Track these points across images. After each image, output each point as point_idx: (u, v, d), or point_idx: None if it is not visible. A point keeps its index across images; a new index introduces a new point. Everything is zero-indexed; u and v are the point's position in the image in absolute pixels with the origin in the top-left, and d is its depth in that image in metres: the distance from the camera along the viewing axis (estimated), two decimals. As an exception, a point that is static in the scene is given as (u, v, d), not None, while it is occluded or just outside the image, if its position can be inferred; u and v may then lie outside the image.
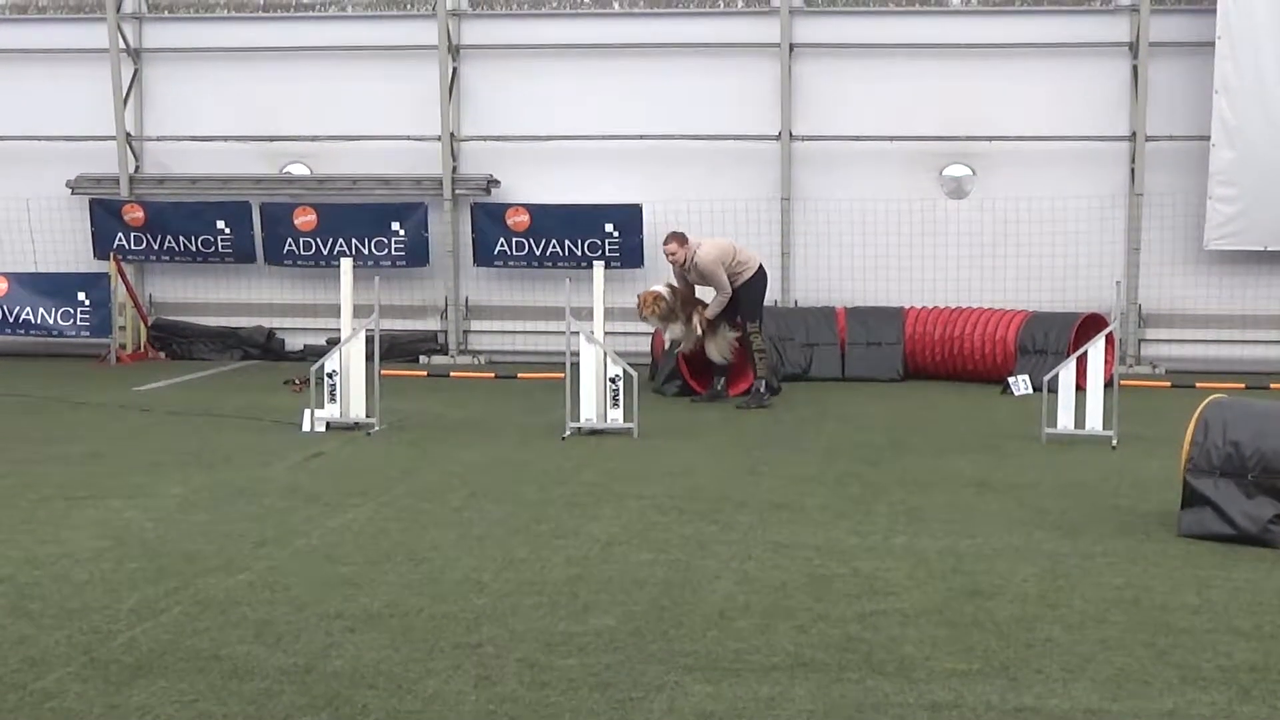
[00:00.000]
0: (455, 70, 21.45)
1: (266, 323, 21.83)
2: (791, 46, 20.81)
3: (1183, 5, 20.31)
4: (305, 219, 21.20)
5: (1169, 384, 18.53)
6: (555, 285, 19.94)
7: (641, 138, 20.96)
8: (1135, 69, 20.33)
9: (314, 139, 21.62)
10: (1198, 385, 17.23)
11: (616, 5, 21.30)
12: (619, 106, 21.07)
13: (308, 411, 14.23)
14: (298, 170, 21.82)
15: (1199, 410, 9.66)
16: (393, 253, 21.20)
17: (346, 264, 14.53)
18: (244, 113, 21.75)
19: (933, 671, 6.58)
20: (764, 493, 10.97)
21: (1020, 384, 17.15)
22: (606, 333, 14.51)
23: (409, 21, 21.55)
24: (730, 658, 6.77)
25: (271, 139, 21.73)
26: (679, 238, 16.23)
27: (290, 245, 21.30)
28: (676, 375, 17.10)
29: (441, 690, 6.31)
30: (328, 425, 14.20)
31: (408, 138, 21.43)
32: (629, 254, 20.72)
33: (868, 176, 20.81)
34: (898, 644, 6.98)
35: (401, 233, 21.14)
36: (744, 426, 14.77)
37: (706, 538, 9.36)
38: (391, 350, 20.29)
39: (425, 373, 19.90)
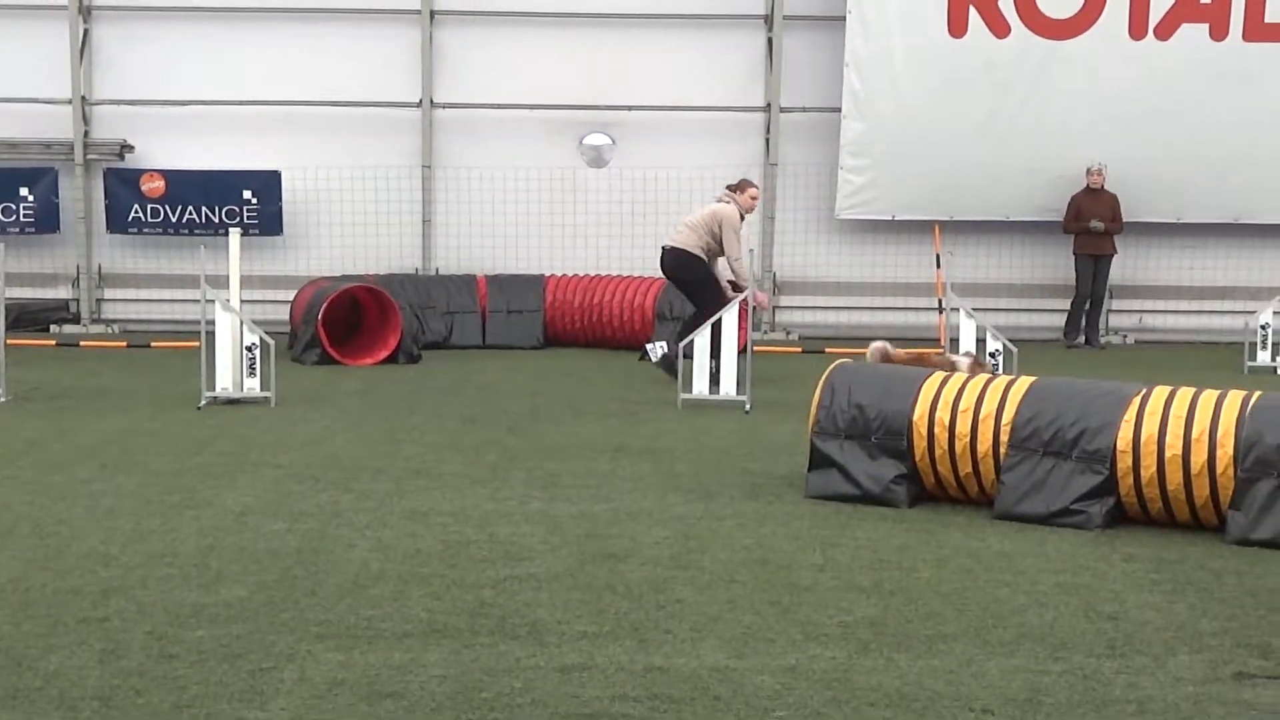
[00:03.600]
0: (87, 31, 20.77)
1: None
2: (433, 13, 20.71)
3: (815, -21, 20.87)
4: (-75, 183, 20.31)
5: (801, 349, 19.07)
6: (191, 253, 19.51)
7: (282, 103, 20.64)
8: (770, 41, 20.81)
9: (-67, 99, 20.70)
10: (827, 350, 17.76)
11: (255, -33, 20.88)
12: (258, 71, 20.71)
13: (-74, 383, 13.65)
14: (-85, 131, 20.85)
15: (825, 375, 9.94)
16: (21, 219, 20.47)
17: (-33, 229, 13.97)
18: None
19: (564, 635, 6.63)
20: (402, 461, 10.92)
21: (658, 350, 17.37)
22: (243, 301, 14.22)
23: (37, -21, 20.77)
24: (363, 626, 6.72)
25: (-113, 98, 20.74)
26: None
27: (-93, 210, 20.39)
28: (316, 344, 16.87)
29: (64, 666, 6.11)
30: (-52, 397, 13.65)
31: (37, 100, 20.68)
32: (268, 221, 20.40)
33: (509, 145, 20.88)
34: (530, 608, 7.02)
35: (30, 198, 20.43)
36: (383, 395, 14.67)
37: (342, 506, 9.26)
38: (20, 320, 19.60)
39: (55, 342, 19.25)
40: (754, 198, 15.51)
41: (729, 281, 15.38)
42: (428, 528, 8.68)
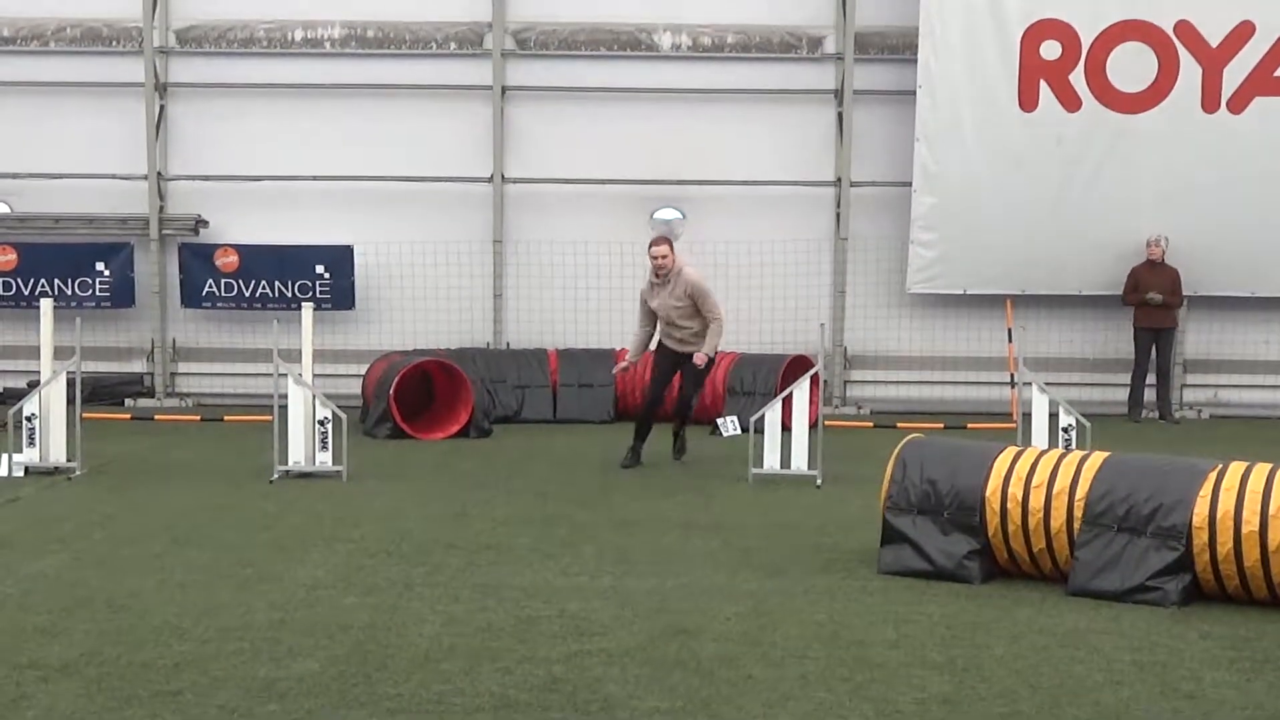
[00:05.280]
0: (163, 108, 21.06)
1: (-35, 366, 21.12)
2: (504, 89, 20.89)
3: (886, 55, 20.95)
4: (5, 258, 20.58)
5: (872, 424, 19.00)
6: (265, 327, 19.64)
7: (354, 179, 20.83)
8: (840, 116, 20.88)
9: (15, 176, 20.98)
10: (899, 425, 17.68)
11: (328, 45, 21.11)
12: (331, 147, 20.91)
13: (4, 455, 13.77)
14: (-2, 208, 21.18)
15: (897, 449, 9.91)
16: (97, 293, 20.71)
17: (46, 304, 14.15)
18: (-59, 148, 21.07)
19: (635, 710, 6.61)
20: (472, 535, 10.93)
21: (729, 425, 17.30)
22: (316, 375, 14.33)
23: (114, 58, 21.08)
24: (434, 700, 6.71)
25: (-31, 176, 21.08)
26: (669, 241, 14.72)
27: (-11, 286, 20.69)
28: (388, 418, 16.95)
29: (136, 741, 6.14)
30: (26, 470, 13.76)
31: (113, 176, 20.98)
32: (340, 295, 20.55)
33: (580, 219, 20.98)
34: (601, 684, 7.00)
35: (106, 273, 20.67)
36: (454, 469, 14.71)
37: (413, 580, 9.28)
38: (95, 393, 19.77)
39: (130, 416, 19.42)
40: (653, 256, 14.49)
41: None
42: (499, 602, 8.67)
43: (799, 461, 13.88)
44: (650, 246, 14.70)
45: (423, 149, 20.96)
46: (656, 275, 14.53)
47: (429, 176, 20.94)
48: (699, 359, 14.32)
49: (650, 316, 14.75)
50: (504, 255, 21.03)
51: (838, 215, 21.00)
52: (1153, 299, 19.79)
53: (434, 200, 21.02)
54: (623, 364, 15.18)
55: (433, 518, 11.71)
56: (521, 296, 21.07)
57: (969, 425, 18.26)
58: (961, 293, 20.67)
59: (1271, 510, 8.55)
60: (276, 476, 13.65)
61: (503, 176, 20.96)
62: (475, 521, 11.55)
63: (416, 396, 17.98)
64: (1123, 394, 20.30)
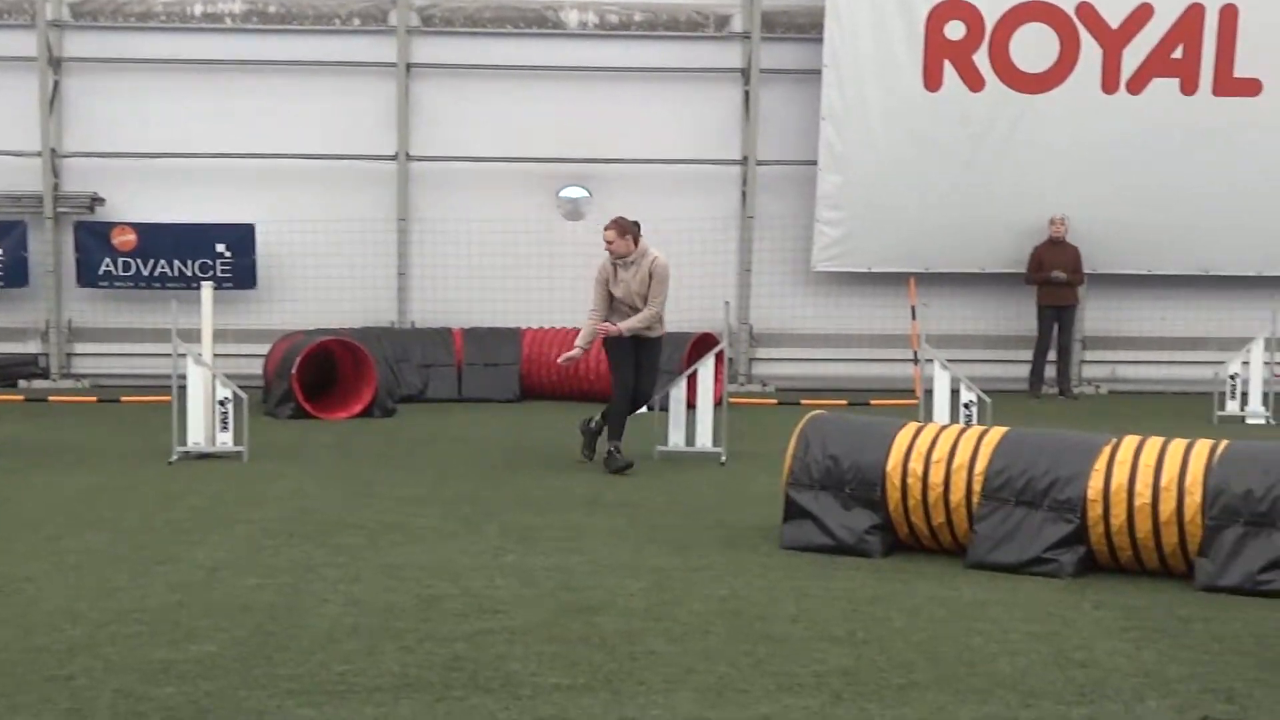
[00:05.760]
0: (57, 83, 20.74)
1: None
2: (409, 66, 20.76)
3: (792, 34, 20.96)
4: (-108, 237, 20.26)
5: (776, 401, 19.08)
6: (164, 306, 19.40)
7: (255, 156, 20.63)
8: (747, 94, 20.90)
9: (-97, 154, 20.67)
10: (803, 402, 17.74)
11: (229, 21, 20.87)
12: (232, 124, 20.70)
13: (-104, 438, 13.58)
14: (-116, 186, 20.80)
15: (799, 426, 9.95)
16: (-10, 272, 20.40)
17: (-63, 284, 13.94)
18: None
19: (538, 687, 6.59)
20: (376, 515, 10.87)
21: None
22: (217, 355, 14.17)
23: (6, 32, 20.74)
24: (335, 681, 6.67)
25: None
26: (621, 225, 13.45)
27: (-124, 265, 20.33)
28: (290, 398, 16.83)
29: (29, 724, 6.06)
30: (-82, 453, 13.59)
31: (6, 153, 20.65)
32: (241, 274, 20.37)
33: (486, 198, 20.88)
34: (504, 661, 6.98)
35: (-1, 252, 20.37)
36: (357, 449, 14.62)
37: (315, 561, 9.21)
38: (-11, 374, 19.52)
39: (23, 398, 19.18)
40: (605, 240, 13.43)
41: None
42: (401, 582, 8.63)
43: (704, 439, 13.92)
44: (604, 230, 13.54)
45: (326, 127, 20.78)
46: (617, 257, 13.48)
47: (332, 154, 20.77)
48: (607, 328, 13.48)
49: (607, 301, 13.59)
50: (409, 234, 20.91)
51: (744, 194, 21.03)
52: (1056, 277, 19.97)
53: (338, 178, 20.86)
54: (571, 353, 13.78)
55: (335, 498, 11.64)
56: (426, 275, 20.96)
57: (872, 402, 18.38)
58: (866, 270, 20.76)
59: (1163, 483, 8.66)
60: (176, 458, 13.51)
61: (408, 154, 20.83)
62: (378, 501, 11.49)
63: (319, 376, 17.85)
64: (1024, 371, 20.49)
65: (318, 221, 20.47)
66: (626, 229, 13.37)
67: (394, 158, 20.83)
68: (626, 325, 13.43)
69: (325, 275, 20.64)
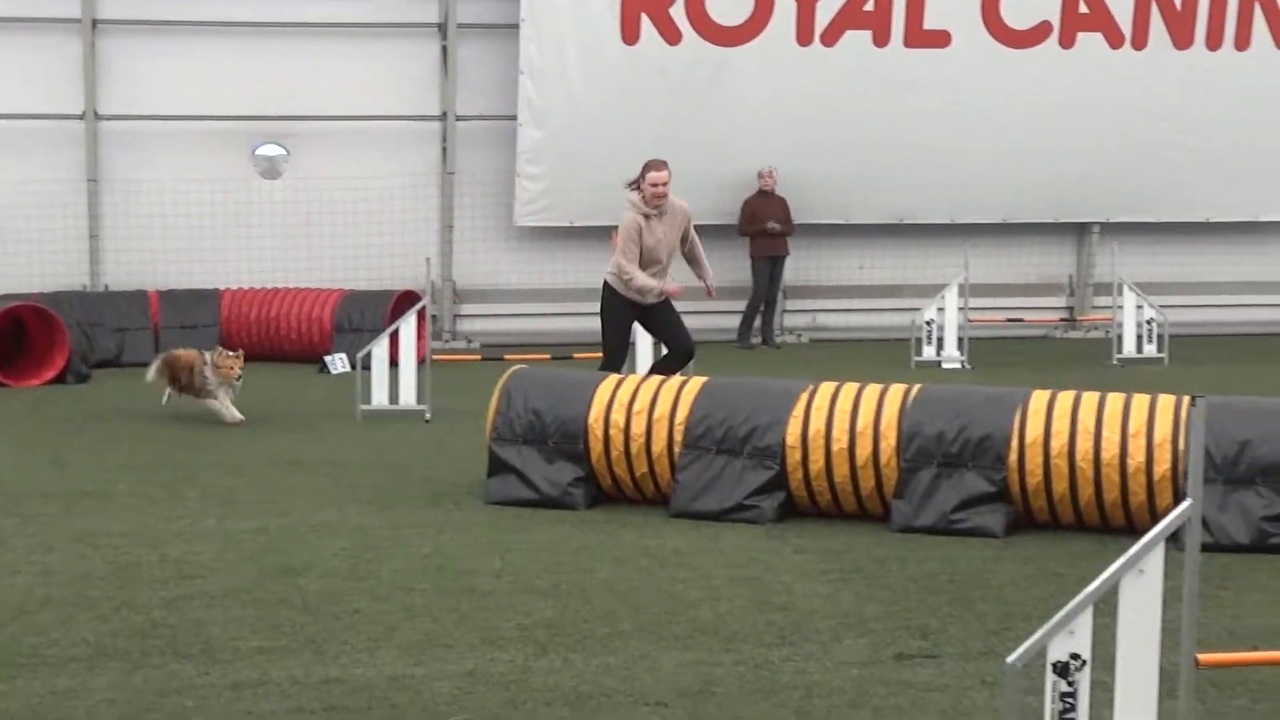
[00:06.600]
0: None
1: None
2: (95, 22, 20.12)
3: (490, -13, 20.86)
4: None
5: (480, 357, 19.06)
6: None
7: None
8: (445, 49, 20.76)
9: None
10: (506, 358, 17.71)
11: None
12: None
13: None
14: None
15: (502, 381, 9.99)
16: None
17: None
18: None
19: (239, 651, 6.53)
20: (70, 482, 10.61)
21: (337, 362, 17.25)
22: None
23: None
24: (27, 653, 6.51)
25: None
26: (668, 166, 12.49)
27: None
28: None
29: None
30: None
31: None
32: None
33: (180, 157, 20.39)
34: (203, 626, 6.89)
35: None
36: (51, 416, 14.22)
37: (5, 531, 8.96)
38: None
39: None
40: (654, 184, 12.30)
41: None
42: (96, 549, 8.44)
43: (407, 396, 13.87)
44: (649, 172, 12.46)
45: (8, 85, 20.04)
46: (653, 206, 12.40)
47: (15, 114, 20.04)
48: (677, 290, 12.60)
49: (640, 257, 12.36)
50: (99, 195, 20.31)
51: (444, 149, 20.92)
52: (772, 228, 20.29)
53: (21, 139, 20.14)
54: (671, 287, 12.60)
55: (27, 466, 11.33)
56: (120, 237, 20.37)
57: (576, 355, 18.44)
58: (569, 225, 20.81)
59: (859, 427, 8.91)
60: None
61: (95, 113, 20.22)
62: (73, 469, 11.21)
63: (8, 342, 17.27)
64: (729, 321, 20.77)
65: (1, 184, 19.77)
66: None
67: (81, 117, 20.19)
68: (680, 286, 12.68)
69: (12, 239, 19.89)
